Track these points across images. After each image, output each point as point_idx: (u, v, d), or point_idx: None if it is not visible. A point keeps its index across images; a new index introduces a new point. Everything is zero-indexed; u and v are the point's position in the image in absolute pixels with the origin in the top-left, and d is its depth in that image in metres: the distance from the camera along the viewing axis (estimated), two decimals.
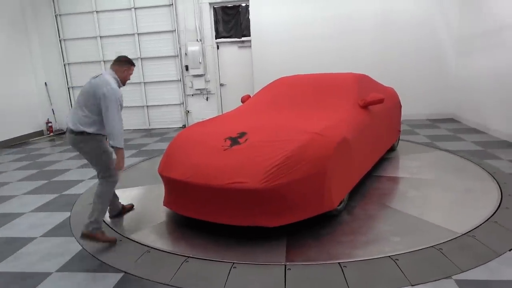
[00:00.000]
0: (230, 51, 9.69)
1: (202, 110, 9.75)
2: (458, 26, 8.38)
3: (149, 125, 10.19)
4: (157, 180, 4.61)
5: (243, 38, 9.48)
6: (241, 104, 5.40)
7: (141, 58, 9.80)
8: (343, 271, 2.81)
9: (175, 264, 3.07)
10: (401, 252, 3.02)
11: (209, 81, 9.74)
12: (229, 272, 2.90)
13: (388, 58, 8.82)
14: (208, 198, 3.37)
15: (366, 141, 4.31)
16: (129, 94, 10.03)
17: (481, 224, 3.41)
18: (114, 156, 3.53)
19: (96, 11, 9.68)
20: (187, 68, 9.63)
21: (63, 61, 10.08)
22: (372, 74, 6.54)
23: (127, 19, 9.63)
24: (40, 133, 10.07)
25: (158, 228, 3.81)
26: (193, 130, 4.26)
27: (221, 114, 5.28)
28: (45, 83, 10.18)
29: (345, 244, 3.22)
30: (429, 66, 8.77)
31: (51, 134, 10.14)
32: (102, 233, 3.47)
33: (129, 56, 3.85)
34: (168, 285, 2.82)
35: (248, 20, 9.23)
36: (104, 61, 9.93)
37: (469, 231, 3.29)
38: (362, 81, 5.03)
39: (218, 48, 9.65)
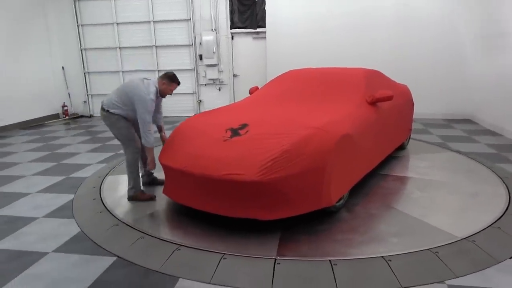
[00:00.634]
0: (245, 42, 9.62)
1: (214, 100, 9.75)
2: (479, 23, 8.06)
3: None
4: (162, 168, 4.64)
5: (258, 29, 9.39)
6: (249, 95, 5.36)
7: (156, 46, 9.84)
8: (333, 269, 2.77)
9: (167, 251, 3.09)
10: (396, 253, 2.95)
11: (222, 71, 9.72)
12: (218, 263, 2.90)
13: (405, 55, 8.59)
14: (204, 188, 3.36)
15: (371, 138, 4.22)
16: None
17: (483, 230, 3.30)
18: (129, 129, 4.04)
19: None
20: (201, 57, 9.63)
21: (80, 46, 10.21)
22: (388, 71, 6.39)
23: (143, 6, 9.67)
24: (55, 116, 10.28)
25: (155, 215, 3.84)
26: (196, 119, 4.26)
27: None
28: (62, 67, 10.35)
29: (340, 242, 3.16)
30: (447, 64, 8.50)
31: (66, 117, 10.34)
32: (142, 192, 4.16)
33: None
34: (158, 272, 2.84)
35: (263, 11, 9.13)
36: (120, 48, 10.01)
37: (469, 236, 3.19)
38: (372, 77, 4.91)
39: (232, 38, 9.60)
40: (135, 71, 10.09)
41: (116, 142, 6.14)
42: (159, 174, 4.54)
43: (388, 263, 2.82)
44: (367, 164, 4.24)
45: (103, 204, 4.14)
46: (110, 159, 6.01)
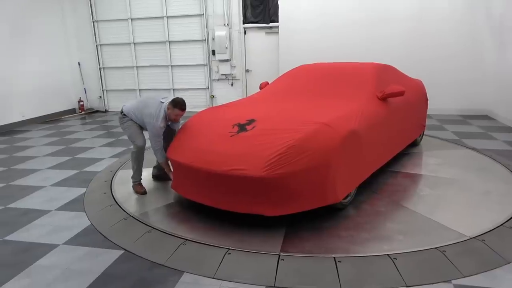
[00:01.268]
0: (257, 37, 9.59)
1: (227, 95, 9.76)
2: (498, 16, 7.81)
3: None
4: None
5: (270, 24, 9.33)
6: (259, 90, 5.35)
7: (169, 42, 9.91)
8: (336, 266, 2.76)
9: (173, 245, 3.13)
10: (402, 252, 2.92)
11: (234, 66, 9.72)
12: (223, 257, 2.92)
13: (419, 49, 8.40)
14: (210, 183, 3.39)
15: (381, 134, 4.16)
16: (157, 77, 10.24)
17: (494, 229, 3.23)
18: (135, 132, 4.27)
19: None
20: (213, 52, 9.65)
21: (96, 42, 10.37)
22: (402, 65, 6.28)
23: (157, 1, 9.73)
24: (72, 111, 10.49)
25: (163, 209, 3.89)
26: (204, 115, 4.28)
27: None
28: (78, 62, 10.54)
29: (345, 239, 3.14)
30: (463, 58, 8.27)
31: (82, 112, 10.54)
32: (138, 185, 4.35)
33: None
34: (163, 265, 2.88)
35: (276, 6, 9.06)
36: (134, 43, 10.12)
37: (479, 235, 3.12)
38: (384, 72, 4.83)
39: (245, 33, 9.58)
40: (149, 66, 10.20)
41: None
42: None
43: (393, 261, 2.79)
44: (376, 161, 4.18)
45: (113, 198, 4.22)
46: (122, 153, 6.11)
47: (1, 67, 8.35)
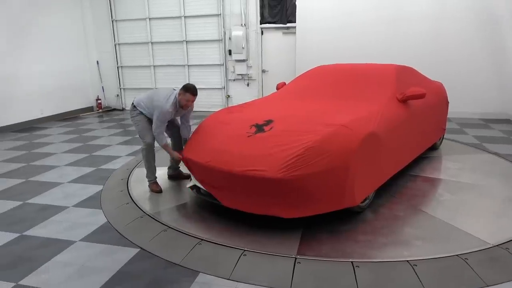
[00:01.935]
0: (274, 37, 9.55)
1: (243, 96, 9.74)
2: None
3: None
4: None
5: (288, 24, 9.28)
6: (276, 91, 5.31)
7: (186, 41, 9.96)
8: (354, 271, 2.70)
9: (189, 245, 3.12)
10: (422, 258, 2.84)
11: (251, 66, 9.70)
12: (238, 259, 2.90)
13: (440, 50, 8.21)
14: (226, 184, 3.36)
15: (401, 137, 4.07)
16: (173, 76, 10.29)
17: None
18: (145, 128, 4.23)
19: None
20: (230, 52, 9.65)
21: (114, 41, 10.49)
22: (421, 67, 6.15)
23: (175, 1, 9.78)
24: (90, 109, 10.64)
25: (179, 208, 3.89)
26: (221, 114, 4.26)
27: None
28: (97, 61, 10.68)
29: (362, 244, 3.08)
30: (486, 60, 8.04)
31: (100, 110, 10.68)
32: (153, 184, 4.35)
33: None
34: (178, 265, 2.87)
35: (294, 6, 9.00)
36: (152, 43, 10.21)
37: (502, 243, 3.02)
38: (404, 74, 4.74)
39: (262, 33, 9.55)
40: (166, 65, 10.27)
41: None
42: (185, 168, 4.60)
43: (413, 268, 2.72)
44: (395, 164, 4.10)
45: (130, 196, 4.24)
46: (139, 152, 6.10)
47: (22, 66, 8.53)
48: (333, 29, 8.73)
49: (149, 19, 10.09)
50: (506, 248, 2.95)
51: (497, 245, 2.99)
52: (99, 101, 10.72)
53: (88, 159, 5.84)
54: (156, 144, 4.25)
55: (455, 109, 7.64)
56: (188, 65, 10.13)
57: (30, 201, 4.22)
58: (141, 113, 4.21)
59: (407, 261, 2.81)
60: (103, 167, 5.43)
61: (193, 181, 3.86)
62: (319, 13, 8.77)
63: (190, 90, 4.01)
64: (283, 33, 9.47)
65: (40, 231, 3.50)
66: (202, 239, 3.20)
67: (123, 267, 2.86)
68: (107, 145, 6.72)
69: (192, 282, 2.66)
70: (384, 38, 8.47)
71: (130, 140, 7.10)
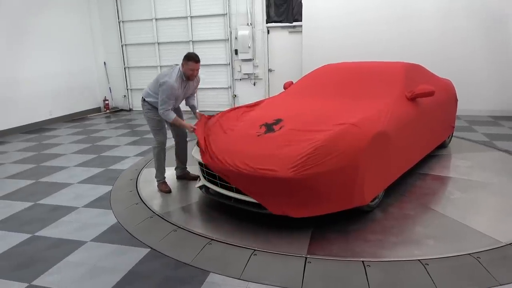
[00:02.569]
0: (280, 36, 9.53)
1: (249, 95, 9.73)
2: None
3: (197, 108, 10.41)
4: (195, 161, 4.70)
5: (294, 23, 9.26)
6: (283, 90, 5.30)
7: (193, 41, 9.97)
8: (365, 270, 2.69)
9: (199, 245, 3.13)
10: (433, 257, 2.82)
11: (257, 66, 9.69)
12: (249, 258, 2.90)
13: (448, 47, 8.14)
14: (237, 183, 3.36)
15: (410, 135, 4.05)
16: None
17: None
18: (157, 126, 4.26)
19: None
20: (236, 52, 9.65)
21: (121, 42, 10.55)
22: (430, 64, 6.10)
23: (181, 1, 9.81)
24: (97, 110, 10.71)
25: (188, 208, 3.91)
26: (230, 114, 4.26)
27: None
28: (104, 62, 10.74)
29: (373, 243, 3.07)
30: (495, 56, 7.95)
31: (107, 111, 10.75)
32: (162, 184, 4.35)
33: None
34: (189, 265, 2.88)
35: (300, 5, 8.98)
36: (158, 43, 10.24)
37: None
38: (412, 71, 4.70)
39: (268, 32, 9.54)
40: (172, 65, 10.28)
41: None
42: (192, 169, 4.62)
43: (425, 267, 2.70)
44: (405, 162, 4.07)
45: (139, 196, 4.26)
46: (147, 152, 6.18)
47: (31, 68, 8.61)
48: (339, 27, 8.69)
49: (156, 19, 10.13)
50: None
51: (509, 244, 2.96)
52: (106, 102, 10.78)
53: (97, 160, 5.88)
54: (168, 144, 4.27)
55: (464, 107, 7.57)
56: None
57: (41, 202, 4.26)
58: (153, 108, 4.15)
59: (419, 260, 2.79)
60: (112, 167, 5.46)
61: (202, 181, 3.87)
62: (325, 11, 8.74)
63: (192, 58, 3.94)
64: (289, 32, 9.44)
65: (51, 231, 3.53)
66: (212, 239, 3.20)
67: (134, 267, 2.88)
68: (115, 146, 6.76)
69: (203, 282, 2.66)
70: (390, 36, 8.42)
71: (138, 140, 7.14)
